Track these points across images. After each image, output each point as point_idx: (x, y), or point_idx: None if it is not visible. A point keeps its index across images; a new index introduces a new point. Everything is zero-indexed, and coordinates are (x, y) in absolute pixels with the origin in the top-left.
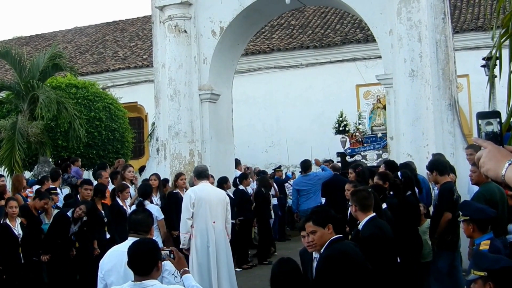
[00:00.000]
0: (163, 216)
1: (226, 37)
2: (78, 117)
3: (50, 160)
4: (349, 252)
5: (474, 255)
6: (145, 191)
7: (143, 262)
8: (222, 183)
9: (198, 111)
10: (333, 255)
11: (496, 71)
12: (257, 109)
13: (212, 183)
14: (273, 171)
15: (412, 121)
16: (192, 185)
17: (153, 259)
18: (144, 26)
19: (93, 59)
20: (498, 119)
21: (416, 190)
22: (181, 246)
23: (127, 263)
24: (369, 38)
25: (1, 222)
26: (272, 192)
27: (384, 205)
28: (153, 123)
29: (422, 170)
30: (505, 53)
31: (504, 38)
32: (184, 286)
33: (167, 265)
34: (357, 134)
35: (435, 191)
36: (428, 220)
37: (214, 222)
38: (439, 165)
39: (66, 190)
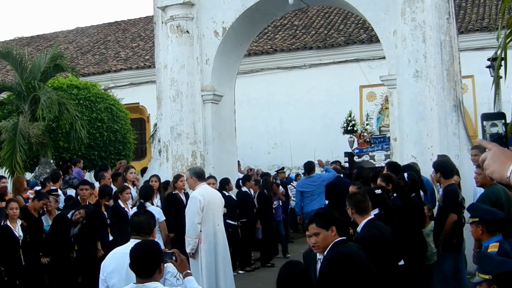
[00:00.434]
0: (164, 218)
1: (228, 38)
2: (80, 118)
3: (52, 161)
4: (352, 255)
5: (479, 257)
6: (146, 193)
7: (145, 264)
8: (224, 184)
9: (200, 112)
10: (336, 257)
11: (502, 71)
12: (260, 110)
13: (215, 185)
14: (276, 172)
15: (416, 122)
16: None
17: (155, 261)
18: (146, 27)
19: (95, 59)
20: (503, 121)
21: (421, 192)
22: (189, 251)
23: (129, 265)
24: (373, 39)
25: (2, 223)
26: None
27: (376, 210)
28: (155, 124)
29: (426, 172)
30: (510, 53)
31: (509, 39)
32: None
33: (170, 267)
34: (365, 134)
35: (439, 192)
36: (432, 222)
37: (218, 225)
38: (446, 168)
39: (72, 192)
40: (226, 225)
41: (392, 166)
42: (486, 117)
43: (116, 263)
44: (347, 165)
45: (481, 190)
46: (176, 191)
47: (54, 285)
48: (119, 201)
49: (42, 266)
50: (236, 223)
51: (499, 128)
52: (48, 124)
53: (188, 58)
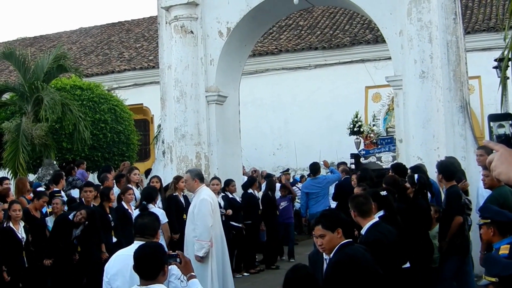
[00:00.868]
0: (167, 220)
1: (233, 38)
2: (83, 119)
3: (55, 162)
4: (359, 257)
5: (485, 260)
6: (149, 195)
7: (149, 266)
8: (226, 185)
9: (204, 113)
10: (343, 260)
11: (509, 72)
12: (265, 111)
13: (219, 186)
14: (281, 174)
15: (422, 124)
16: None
17: (159, 263)
18: (150, 27)
19: (98, 60)
20: (511, 122)
21: (429, 194)
22: (202, 255)
23: (133, 267)
24: (378, 39)
25: (4, 225)
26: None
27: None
28: (159, 125)
29: (432, 174)
30: None
31: None
32: None
33: (174, 270)
34: (371, 135)
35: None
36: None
37: (221, 228)
38: (447, 170)
39: (76, 193)
40: (230, 227)
41: (397, 168)
42: (493, 118)
43: (120, 265)
44: (353, 166)
45: (487, 191)
46: (177, 193)
47: (58, 287)
48: (123, 203)
49: (45, 268)
50: (240, 225)
51: (506, 129)
52: (51, 125)
53: (192, 59)
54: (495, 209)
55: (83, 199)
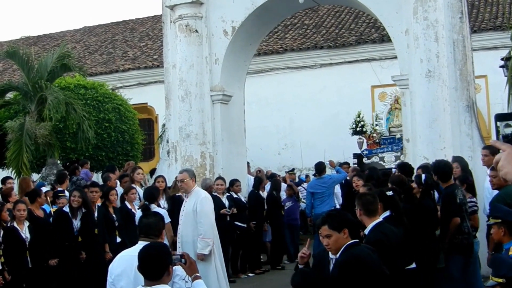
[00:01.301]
0: (169, 220)
1: (238, 37)
2: (87, 118)
3: (59, 162)
4: (365, 258)
5: (492, 261)
6: (151, 195)
7: (154, 267)
8: (231, 185)
9: (209, 112)
10: (349, 260)
11: None
12: (270, 110)
13: (223, 186)
14: (286, 173)
15: (428, 123)
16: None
17: (164, 264)
18: (155, 26)
19: (102, 59)
20: None
21: (437, 194)
22: (207, 253)
23: (138, 268)
24: (384, 38)
25: (9, 225)
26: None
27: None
28: (164, 125)
29: None
30: None
31: None
32: None
33: (178, 270)
34: (374, 135)
35: None
36: None
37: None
38: (441, 171)
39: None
40: (235, 227)
41: (404, 167)
42: (499, 117)
43: (124, 266)
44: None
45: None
46: (180, 193)
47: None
48: (126, 202)
49: (49, 268)
50: (245, 225)
51: None
52: (55, 124)
53: (197, 58)
54: (505, 209)
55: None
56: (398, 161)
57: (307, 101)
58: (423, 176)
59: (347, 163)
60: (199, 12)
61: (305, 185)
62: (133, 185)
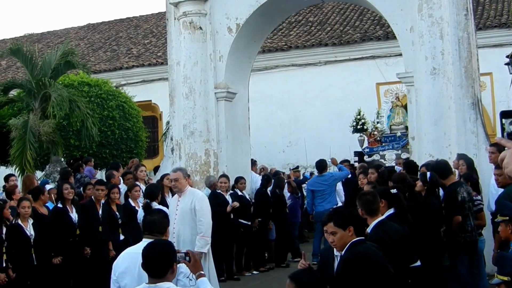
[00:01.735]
0: None
1: (242, 34)
2: (91, 115)
3: (62, 159)
4: (370, 255)
5: (498, 259)
6: (151, 193)
7: (158, 264)
8: (236, 182)
9: (213, 110)
10: (354, 257)
11: None
12: (274, 108)
13: (227, 184)
14: (290, 171)
15: (434, 121)
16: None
17: (168, 261)
18: (159, 23)
19: (106, 56)
20: None
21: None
22: (206, 251)
23: (141, 265)
24: (389, 35)
25: (13, 222)
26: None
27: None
28: (168, 122)
29: None
30: None
31: None
32: None
33: (182, 268)
34: (375, 133)
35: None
36: None
37: None
38: (437, 167)
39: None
40: (239, 225)
41: (408, 165)
42: (505, 115)
43: (128, 263)
44: (356, 164)
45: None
46: None
47: (66, 285)
48: (129, 200)
49: (54, 266)
50: (249, 223)
51: None
52: (58, 121)
53: (201, 55)
54: None
55: (93, 197)
56: (400, 159)
57: (312, 98)
58: (428, 174)
59: (347, 161)
60: (203, 9)
61: None
62: (137, 183)
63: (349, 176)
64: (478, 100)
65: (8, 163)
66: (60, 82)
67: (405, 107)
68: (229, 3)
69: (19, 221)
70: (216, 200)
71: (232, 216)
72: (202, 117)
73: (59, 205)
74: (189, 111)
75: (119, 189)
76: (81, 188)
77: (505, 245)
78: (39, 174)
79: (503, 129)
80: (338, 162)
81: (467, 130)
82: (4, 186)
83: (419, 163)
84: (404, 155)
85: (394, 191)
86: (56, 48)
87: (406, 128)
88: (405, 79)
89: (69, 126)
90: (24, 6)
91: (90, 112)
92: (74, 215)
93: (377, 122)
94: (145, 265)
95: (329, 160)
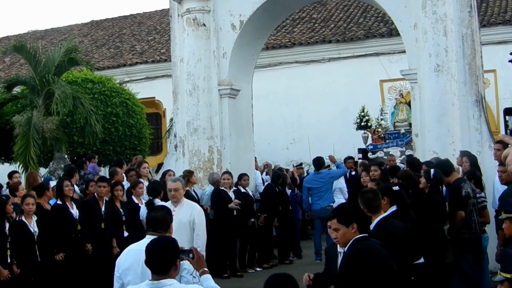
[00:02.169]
0: None
1: (246, 31)
2: (95, 112)
3: (66, 156)
4: (372, 252)
5: (501, 256)
6: (154, 190)
7: (161, 261)
8: (239, 179)
9: (217, 106)
10: (356, 254)
11: None
12: (278, 104)
13: (230, 181)
14: (294, 167)
15: (437, 118)
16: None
17: (171, 258)
18: (162, 20)
19: (110, 53)
20: None
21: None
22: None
23: (145, 262)
24: (393, 32)
25: (17, 219)
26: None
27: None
28: (171, 119)
29: None
30: None
31: None
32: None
33: (186, 264)
34: (379, 130)
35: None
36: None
37: None
38: (440, 164)
39: None
40: (242, 222)
41: (411, 162)
42: (508, 112)
43: (132, 260)
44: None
45: (503, 186)
46: (188, 187)
47: (68, 281)
48: (133, 197)
49: (57, 262)
50: (252, 220)
51: None
52: (62, 118)
53: (205, 52)
54: None
55: (95, 194)
56: (403, 156)
57: (316, 95)
58: (432, 171)
59: (351, 158)
60: (206, 5)
61: None
62: (140, 180)
63: (353, 173)
64: (481, 97)
65: (12, 160)
66: (64, 79)
67: (409, 104)
68: (233, 0)
69: (23, 218)
70: (219, 197)
71: (235, 213)
72: (205, 114)
73: (58, 201)
74: (193, 108)
75: (123, 186)
76: (84, 185)
77: (509, 242)
78: (42, 171)
79: (506, 126)
80: (343, 159)
81: (470, 127)
82: (8, 183)
83: (423, 160)
84: (408, 152)
85: (396, 188)
86: (59, 45)
87: (410, 125)
88: (408, 76)
89: (73, 123)
90: (27, 3)
91: (93, 109)
92: (75, 212)
93: (381, 119)
94: (148, 262)
95: (327, 157)
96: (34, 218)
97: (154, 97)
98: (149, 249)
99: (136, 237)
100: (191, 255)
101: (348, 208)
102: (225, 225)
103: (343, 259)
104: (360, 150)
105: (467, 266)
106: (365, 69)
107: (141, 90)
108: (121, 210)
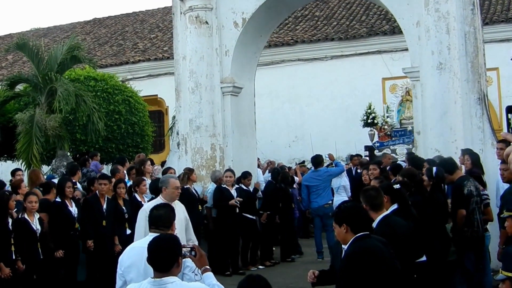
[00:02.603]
0: None
1: (248, 29)
2: (97, 110)
3: (69, 154)
4: (373, 250)
5: (503, 255)
6: (156, 188)
7: (163, 258)
8: (243, 178)
9: (219, 104)
10: (356, 252)
11: None
12: (280, 102)
13: (232, 179)
14: (296, 165)
15: (440, 116)
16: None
17: (173, 255)
18: (165, 17)
19: (113, 51)
20: None
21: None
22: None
23: (147, 259)
24: (395, 30)
25: (20, 216)
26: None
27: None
28: (174, 117)
29: None
30: None
31: None
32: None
33: (188, 262)
34: (385, 127)
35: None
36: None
37: None
38: (443, 162)
39: None
40: (244, 219)
41: (413, 160)
42: (511, 110)
43: (134, 257)
44: (367, 159)
45: (506, 185)
46: (188, 185)
47: (70, 279)
48: (136, 194)
49: (58, 259)
50: (254, 217)
51: None
52: (65, 116)
53: (207, 50)
54: None
55: (97, 191)
56: (387, 155)
57: (318, 93)
58: (434, 169)
59: (359, 155)
60: (209, 3)
61: None
62: (144, 177)
63: (359, 171)
64: (484, 95)
65: (15, 158)
66: (66, 76)
67: None
68: None
69: (26, 216)
70: (221, 195)
71: (237, 211)
72: (208, 111)
73: (58, 199)
74: (195, 106)
75: (125, 183)
76: (86, 183)
77: (511, 241)
78: (45, 168)
79: (509, 124)
80: (349, 156)
81: (473, 125)
82: (10, 181)
83: (425, 158)
84: (415, 149)
85: (397, 186)
86: (62, 43)
87: None
88: (411, 74)
89: (75, 121)
90: (30, 1)
91: (96, 106)
92: (73, 209)
93: (387, 117)
94: (151, 260)
95: (326, 155)
96: (37, 215)
97: (156, 95)
98: (151, 246)
99: None
100: (193, 253)
101: (343, 208)
102: (227, 223)
103: (343, 258)
104: (367, 148)
105: (469, 264)
106: (367, 67)
107: (143, 88)
108: (123, 208)
